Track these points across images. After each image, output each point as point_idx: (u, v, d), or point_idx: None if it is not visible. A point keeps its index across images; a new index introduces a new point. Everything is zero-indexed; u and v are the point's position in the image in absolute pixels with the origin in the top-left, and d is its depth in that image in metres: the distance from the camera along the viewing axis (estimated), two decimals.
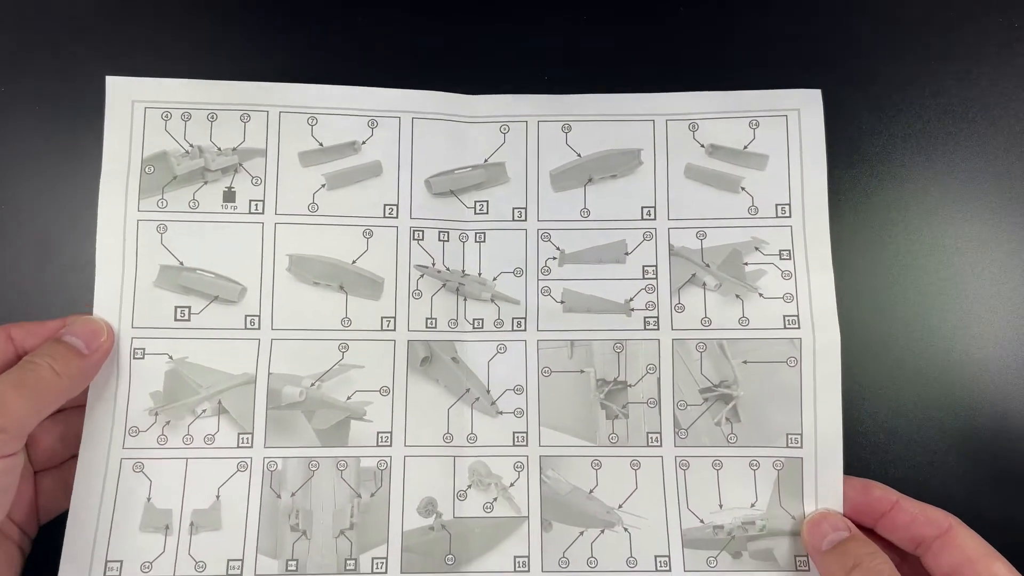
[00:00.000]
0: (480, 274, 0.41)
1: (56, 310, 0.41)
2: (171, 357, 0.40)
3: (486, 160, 0.42)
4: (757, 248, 0.41)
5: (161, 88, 0.42)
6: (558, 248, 0.42)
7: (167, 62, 0.44)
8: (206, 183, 0.41)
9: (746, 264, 0.41)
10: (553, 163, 0.43)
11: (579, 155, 0.43)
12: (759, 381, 0.40)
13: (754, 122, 0.42)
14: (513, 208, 0.42)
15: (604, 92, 0.44)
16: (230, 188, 0.41)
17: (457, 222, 0.41)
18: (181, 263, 0.40)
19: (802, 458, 0.40)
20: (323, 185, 0.42)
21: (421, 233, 0.42)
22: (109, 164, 0.41)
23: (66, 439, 0.40)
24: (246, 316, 0.41)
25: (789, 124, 0.42)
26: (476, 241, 0.42)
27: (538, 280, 0.42)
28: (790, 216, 0.41)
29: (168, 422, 0.40)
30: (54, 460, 0.40)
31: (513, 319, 0.42)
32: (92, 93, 0.42)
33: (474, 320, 0.41)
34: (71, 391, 0.37)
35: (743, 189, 0.42)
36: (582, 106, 0.43)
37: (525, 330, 0.42)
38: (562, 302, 0.42)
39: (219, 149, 0.42)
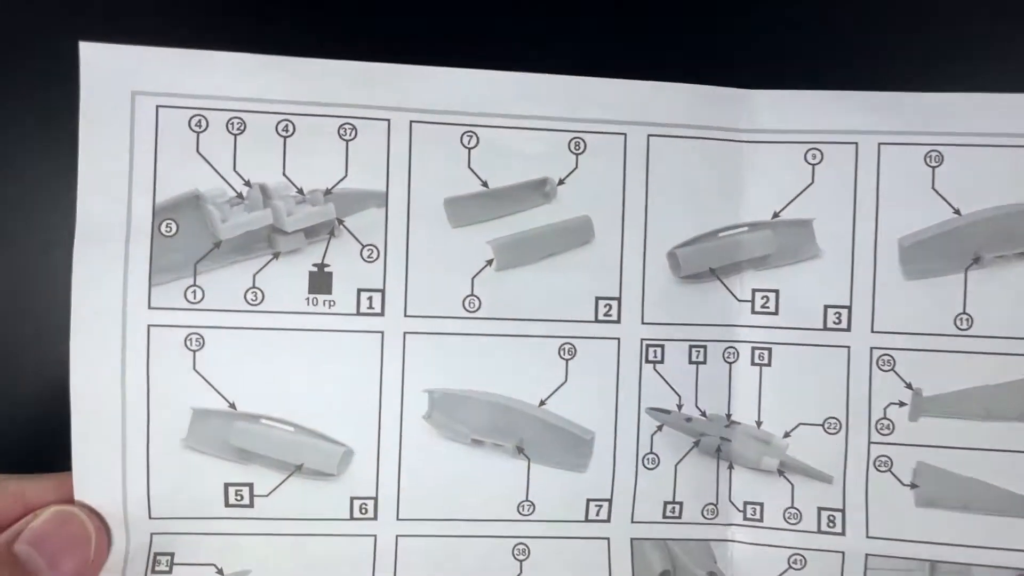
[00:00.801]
0: (759, 423, 0.23)
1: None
2: (219, 571, 0.22)
3: (777, 214, 0.23)
4: None
5: (190, 70, 0.22)
6: (910, 385, 0.23)
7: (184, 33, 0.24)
8: (277, 257, 0.22)
9: None
10: (905, 224, 0.24)
11: (956, 211, 0.23)
12: None
13: None
14: (826, 307, 0.24)
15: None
16: (322, 266, 0.23)
17: (721, 328, 0.24)
18: (232, 404, 0.22)
19: None
20: (489, 262, 0.23)
21: (659, 350, 0.24)
22: (89, 218, 0.22)
23: None
24: (353, 500, 0.23)
25: None
26: (755, 363, 0.24)
27: (869, 442, 0.24)
28: None
29: None
30: None
31: (821, 511, 0.24)
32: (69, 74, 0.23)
33: (747, 506, 0.24)
34: None
35: None
36: (962, 114, 0.23)
37: (844, 533, 0.24)
38: (914, 486, 0.23)
39: (300, 191, 0.22)
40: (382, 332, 0.23)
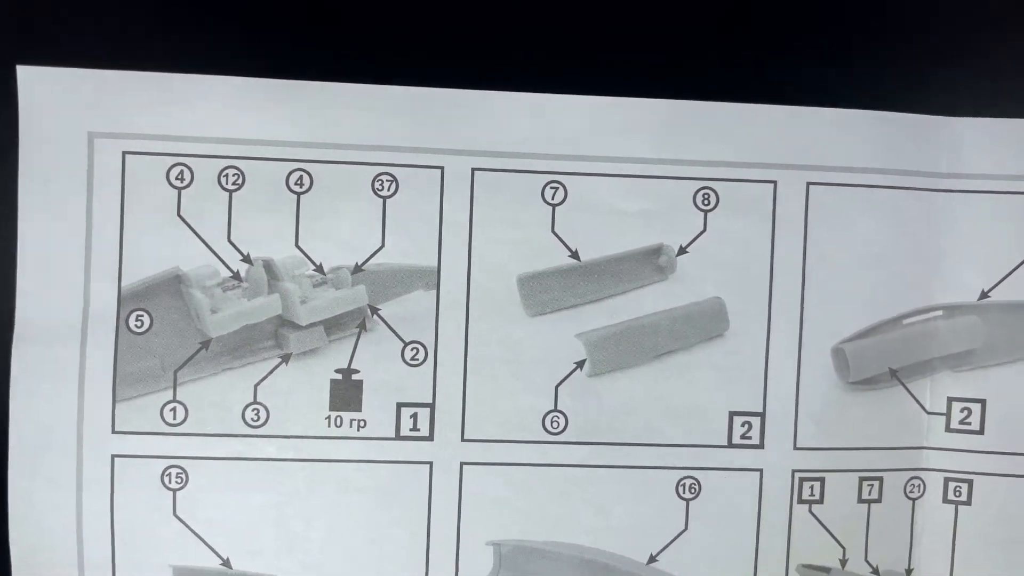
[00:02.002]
0: None
1: None
2: None
3: (985, 293, 0.20)
4: None
5: (167, 101, 0.16)
6: None
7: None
8: (287, 360, 0.16)
9: None
10: None
11: None
12: None
13: None
14: None
15: None
16: (348, 372, 0.17)
17: (903, 452, 0.20)
18: (226, 562, 0.17)
19: None
20: (580, 365, 0.17)
21: (817, 485, 0.18)
22: (31, 309, 0.16)
23: None
24: None
25: None
26: (948, 500, 0.20)
27: None
28: None
29: None
30: None
31: None
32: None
33: None
34: None
35: None
36: None
37: None
38: None
39: (318, 269, 0.16)
40: (431, 463, 0.17)
